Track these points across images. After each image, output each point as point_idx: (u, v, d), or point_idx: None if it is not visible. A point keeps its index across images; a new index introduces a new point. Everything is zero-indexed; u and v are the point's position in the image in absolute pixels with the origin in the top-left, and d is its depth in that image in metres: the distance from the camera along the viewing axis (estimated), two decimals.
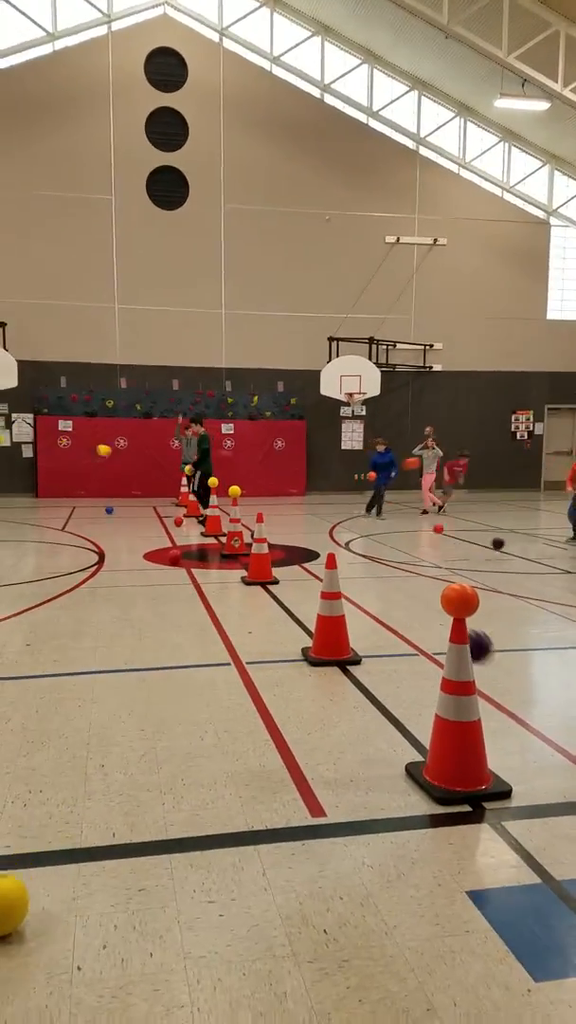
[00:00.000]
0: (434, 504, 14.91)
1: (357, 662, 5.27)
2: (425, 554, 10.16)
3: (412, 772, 3.55)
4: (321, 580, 5.44)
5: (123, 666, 5.19)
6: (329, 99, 18.53)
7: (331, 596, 5.36)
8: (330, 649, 5.31)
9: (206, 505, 12.68)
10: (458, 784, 3.35)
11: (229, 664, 5.25)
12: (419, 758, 3.72)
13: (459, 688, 3.39)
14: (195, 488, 13.69)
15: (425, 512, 14.79)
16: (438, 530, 12.40)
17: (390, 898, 2.64)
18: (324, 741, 3.96)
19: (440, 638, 5.87)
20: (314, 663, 5.25)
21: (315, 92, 18.41)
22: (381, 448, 14.18)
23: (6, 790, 3.39)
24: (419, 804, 3.31)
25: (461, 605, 3.40)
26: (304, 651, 5.46)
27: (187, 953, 2.37)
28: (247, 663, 5.26)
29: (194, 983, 2.24)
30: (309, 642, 5.72)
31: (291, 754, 3.79)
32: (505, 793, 3.35)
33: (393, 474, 14.06)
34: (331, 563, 5.45)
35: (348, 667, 5.19)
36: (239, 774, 3.57)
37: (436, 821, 3.18)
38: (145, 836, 3.04)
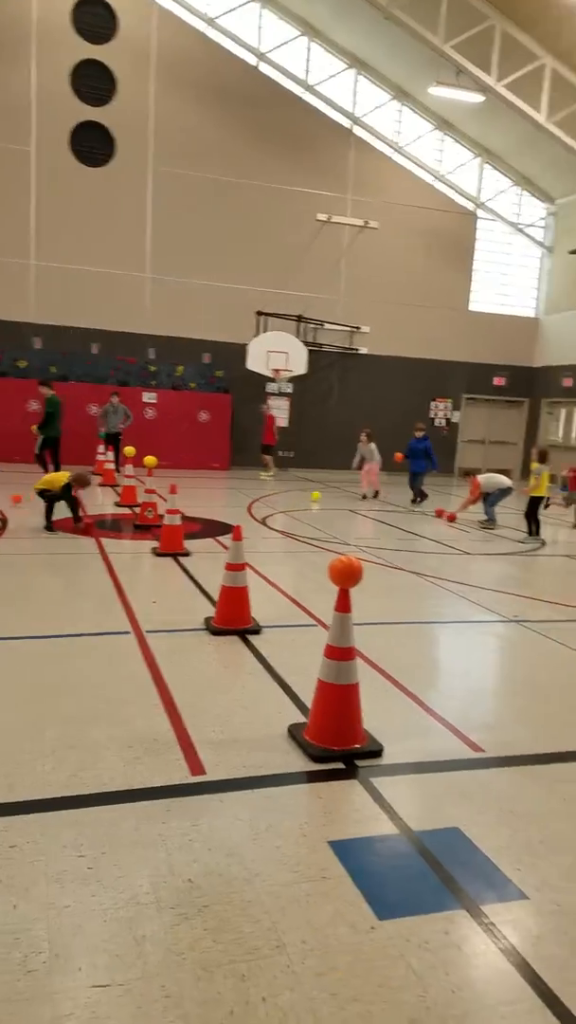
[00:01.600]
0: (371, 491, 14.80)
1: (257, 631, 5.39)
2: (339, 532, 10.37)
3: (293, 733, 3.70)
4: None
5: (21, 633, 5.15)
6: (265, 68, 18.30)
7: (235, 567, 5.45)
8: (231, 619, 5.41)
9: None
10: (334, 743, 3.52)
11: (129, 633, 5.28)
12: (301, 720, 3.87)
13: (341, 654, 3.55)
14: (37, 452, 13.22)
15: (364, 497, 14.64)
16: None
17: (256, 848, 2.78)
18: (214, 705, 4.07)
19: None
20: (215, 632, 5.34)
21: (251, 60, 18.14)
22: (419, 434, 14.08)
23: None
24: (296, 762, 3.45)
25: (346, 576, 3.55)
26: (207, 620, 5.54)
27: (51, 904, 2.44)
28: (147, 632, 5.31)
29: (55, 931, 2.32)
30: (213, 612, 5.80)
31: (180, 718, 3.88)
32: (376, 752, 3.53)
33: (426, 465, 13.93)
34: (237, 535, 5.54)
35: (248, 636, 5.31)
36: (124, 737, 3.63)
37: (310, 777, 3.33)
38: (22, 796, 3.07)
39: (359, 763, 3.45)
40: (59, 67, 16.62)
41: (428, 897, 2.56)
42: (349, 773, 3.38)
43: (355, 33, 17.75)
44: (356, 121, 19.01)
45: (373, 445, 14.51)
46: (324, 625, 5.67)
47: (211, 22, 17.73)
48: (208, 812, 3.02)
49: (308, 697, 4.16)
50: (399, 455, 14.24)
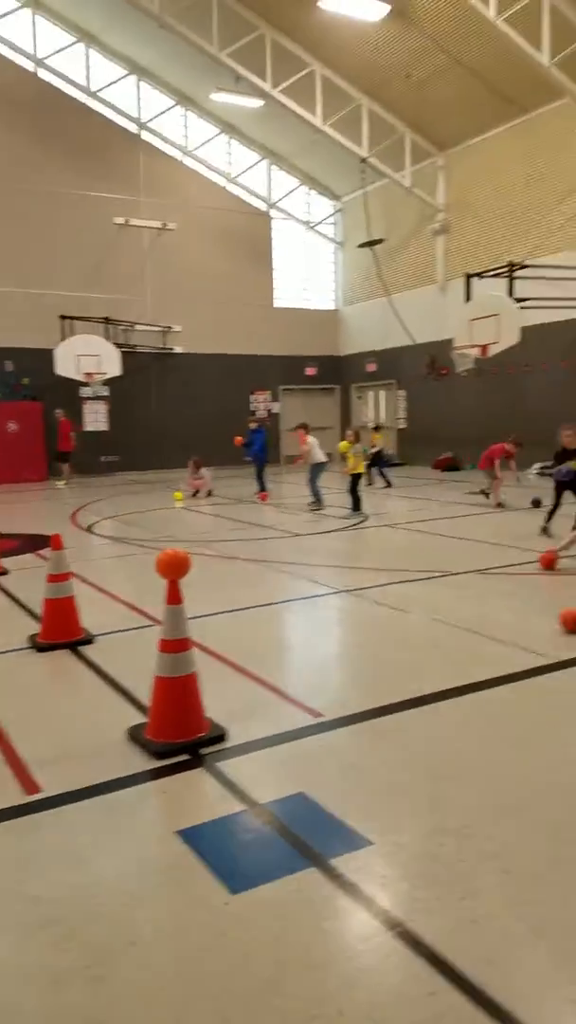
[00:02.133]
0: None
1: (90, 641, 5.21)
2: (171, 530, 10.27)
3: (133, 735, 3.62)
4: None
5: None
6: (44, 75, 17.67)
7: (58, 578, 5.22)
8: (59, 631, 5.18)
9: None
10: (177, 736, 3.48)
11: None
12: (142, 721, 3.80)
13: (175, 646, 3.53)
14: None
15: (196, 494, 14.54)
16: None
17: (103, 853, 2.69)
18: (45, 723, 3.89)
19: None
20: (42, 648, 5.10)
21: (29, 66, 17.45)
22: (254, 425, 13.87)
23: None
24: (138, 762, 3.38)
25: (173, 567, 3.53)
26: (32, 638, 5.27)
27: None
28: None
29: None
30: (39, 629, 5.54)
31: (8, 741, 3.67)
32: (220, 737, 3.54)
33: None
34: (56, 544, 5.31)
35: (79, 648, 5.12)
36: None
37: (154, 775, 3.28)
38: None
39: (203, 751, 3.44)
40: None
41: (279, 863, 2.60)
42: (194, 763, 3.36)
43: (133, 40, 17.64)
44: (143, 126, 18.88)
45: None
46: (160, 624, 5.60)
47: None
48: (47, 827, 2.88)
49: (146, 697, 4.10)
50: (239, 439, 14.30)
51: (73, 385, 17.14)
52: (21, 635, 5.44)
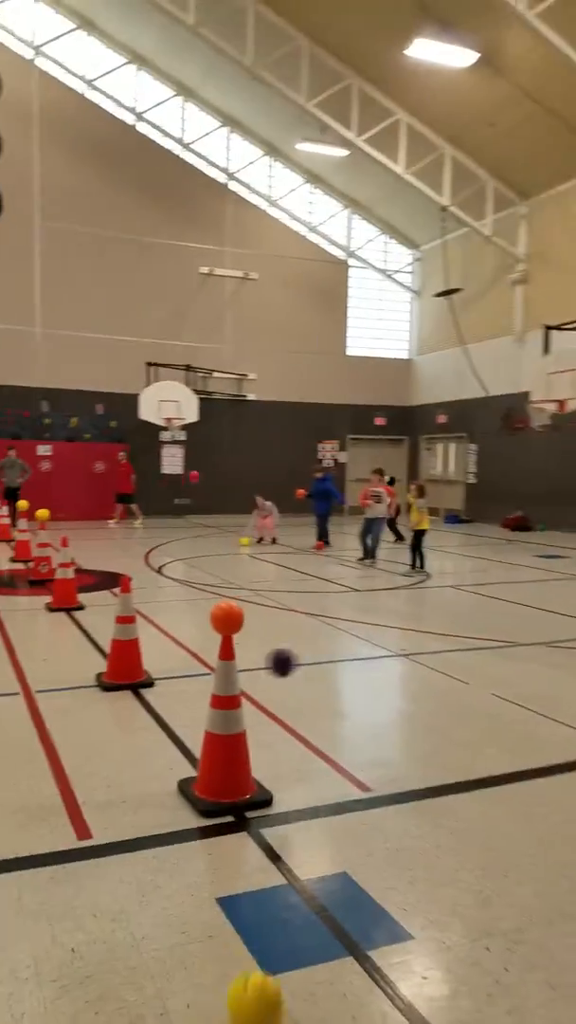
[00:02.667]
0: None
1: (150, 684, 5.33)
2: (235, 577, 10.42)
3: (183, 788, 3.68)
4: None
5: None
6: (143, 127, 18.71)
7: (125, 620, 5.40)
8: (123, 673, 5.34)
9: None
10: (223, 796, 3.52)
11: (17, 693, 5.12)
12: (194, 775, 3.86)
13: (226, 703, 3.58)
14: None
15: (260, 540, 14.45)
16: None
17: (142, 912, 2.74)
18: (102, 765, 3.99)
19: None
20: (107, 688, 5.25)
21: (129, 119, 18.52)
22: (319, 474, 13.84)
23: None
24: (185, 818, 3.44)
25: (226, 622, 3.60)
26: (98, 676, 5.44)
27: None
28: (37, 691, 5.16)
29: None
30: (105, 668, 5.71)
31: (67, 781, 3.79)
32: (266, 801, 3.56)
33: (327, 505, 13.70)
34: (125, 587, 5.49)
35: (140, 690, 5.25)
36: (9, 804, 3.51)
37: (199, 834, 3.32)
38: None
39: (249, 814, 3.47)
40: None
41: (315, 948, 2.58)
42: (238, 826, 3.38)
43: (226, 92, 18.48)
44: (231, 176, 19.67)
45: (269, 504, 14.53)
46: None
47: (90, 84, 18.03)
48: (93, 877, 2.96)
49: (198, 749, 4.16)
50: (301, 492, 14.44)
51: (154, 429, 17.75)
52: (90, 672, 5.62)
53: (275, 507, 14.54)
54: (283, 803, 3.58)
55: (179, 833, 3.32)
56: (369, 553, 11.66)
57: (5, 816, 3.40)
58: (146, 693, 5.20)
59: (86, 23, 17.67)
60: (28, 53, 17.34)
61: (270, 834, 3.31)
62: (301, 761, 4.10)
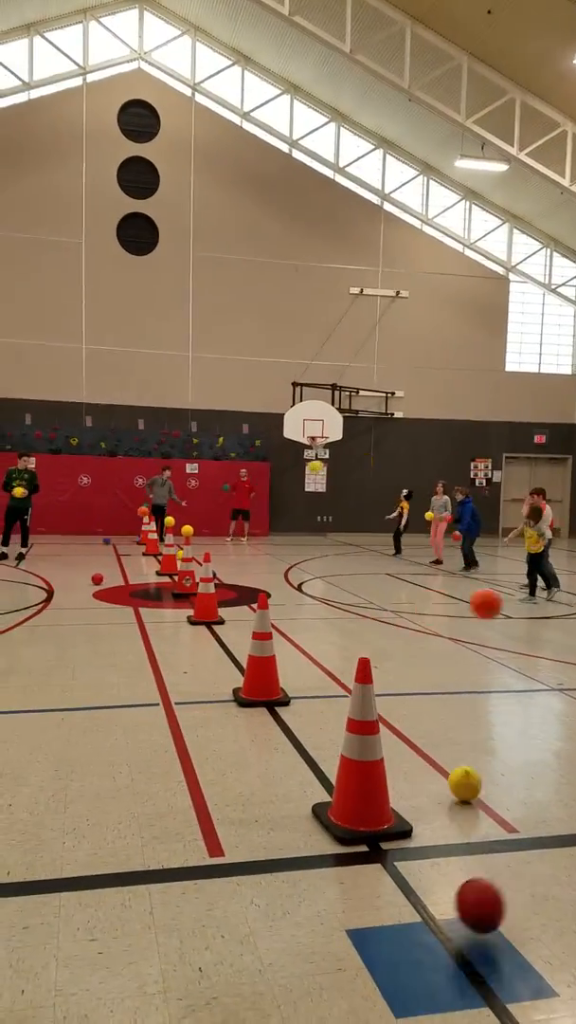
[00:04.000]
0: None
1: (286, 703, 5.31)
2: (375, 597, 10.25)
3: (318, 812, 3.60)
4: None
5: (49, 706, 5.18)
6: (297, 154, 19.19)
7: (261, 636, 5.42)
8: (259, 690, 5.35)
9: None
10: (359, 824, 3.40)
11: (157, 704, 5.26)
12: (328, 799, 3.77)
13: (363, 728, 3.47)
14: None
15: (438, 562, 14.26)
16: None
17: (271, 936, 2.68)
18: (237, 782, 3.99)
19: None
20: (243, 704, 5.28)
21: (284, 147, 19.07)
22: (461, 496, 13.50)
23: None
24: (319, 844, 3.35)
25: (486, 606, 4.07)
26: (235, 692, 5.49)
27: (59, 991, 2.38)
28: (176, 703, 5.28)
29: (60, 1020, 2.26)
30: (242, 682, 5.76)
31: (202, 795, 3.81)
32: (405, 833, 3.40)
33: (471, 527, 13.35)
34: (262, 603, 5.53)
35: (276, 708, 5.23)
36: (145, 815, 3.58)
37: (333, 861, 3.22)
38: (40, 875, 3.04)
39: (385, 845, 3.33)
40: (107, 165, 17.75)
41: (450, 993, 2.42)
42: (374, 856, 3.25)
43: (381, 115, 18.56)
44: (385, 197, 19.69)
45: (447, 498, 14.33)
46: None
47: (246, 116, 18.77)
48: (224, 896, 2.93)
49: (333, 773, 4.06)
50: (430, 514, 14.14)
51: (298, 447, 18.00)
52: (227, 686, 5.69)
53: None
54: (422, 837, 3.41)
55: (312, 859, 3.24)
56: (554, 581, 10.54)
57: (140, 827, 3.46)
58: (282, 711, 5.18)
59: (243, 58, 18.44)
60: (187, 91, 18.33)
61: (406, 868, 3.15)
62: (443, 795, 3.89)
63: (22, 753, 4.30)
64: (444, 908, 2.86)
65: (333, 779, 4.01)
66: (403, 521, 15.34)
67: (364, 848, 3.31)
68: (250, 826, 3.51)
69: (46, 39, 17.42)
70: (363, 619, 8.64)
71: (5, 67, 17.22)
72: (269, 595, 9.95)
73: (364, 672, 3.52)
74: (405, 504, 15.45)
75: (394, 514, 15.51)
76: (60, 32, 17.56)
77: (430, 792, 3.93)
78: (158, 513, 15.52)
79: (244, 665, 6.28)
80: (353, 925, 2.75)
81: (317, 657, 6.71)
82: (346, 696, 5.57)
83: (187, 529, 11.57)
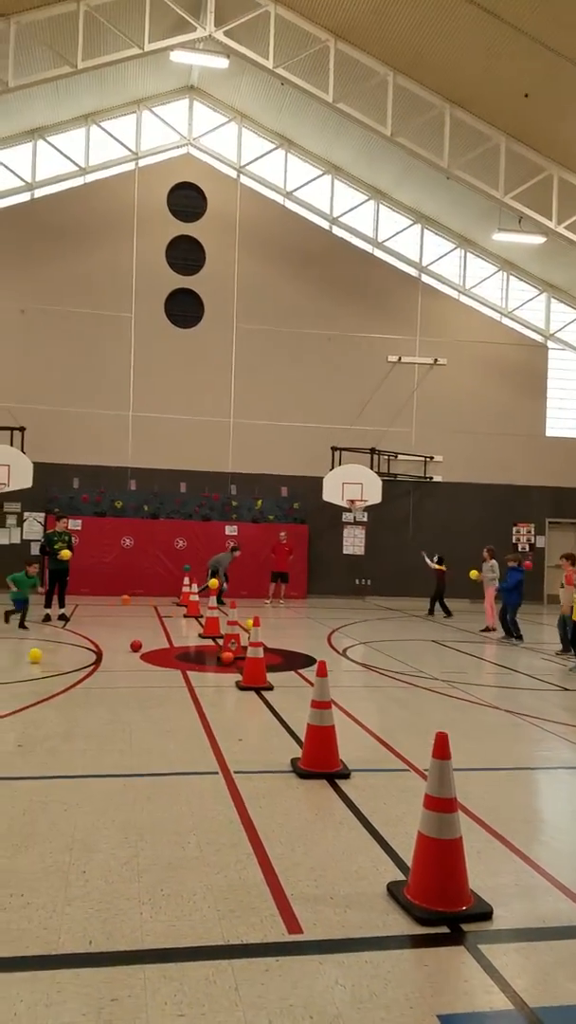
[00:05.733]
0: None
1: (346, 776, 5.25)
2: (423, 664, 10.15)
3: (393, 891, 3.54)
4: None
5: (111, 771, 5.21)
6: (337, 231, 19.93)
7: (321, 705, 5.40)
8: (319, 761, 5.31)
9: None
10: (438, 904, 3.34)
11: (217, 773, 5.26)
12: (401, 877, 3.71)
13: (441, 805, 3.43)
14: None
15: (488, 629, 14.14)
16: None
17: (360, 1019, 2.63)
18: (306, 857, 3.95)
19: (430, 753, 5.86)
20: (302, 775, 5.24)
21: (324, 224, 19.84)
22: (513, 563, 13.31)
23: None
24: (398, 923, 3.30)
25: None
26: (293, 762, 5.46)
27: None
28: (235, 772, 5.27)
29: None
30: (299, 752, 5.73)
31: (272, 869, 3.79)
32: (486, 914, 3.33)
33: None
34: (321, 671, 5.52)
35: (336, 780, 5.19)
36: (219, 887, 3.57)
37: (414, 942, 3.17)
38: (121, 945, 3.04)
39: (467, 927, 3.26)
40: (156, 244, 18.62)
41: None
42: (456, 938, 3.19)
43: (419, 192, 19.26)
44: (423, 270, 20.25)
45: (495, 563, 14.32)
46: (416, 770, 5.50)
47: (288, 195, 19.63)
48: (308, 975, 2.89)
49: (403, 849, 4.02)
50: (475, 572, 14.07)
51: (336, 510, 18.14)
52: (284, 755, 5.67)
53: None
54: (503, 919, 3.34)
55: (392, 939, 3.19)
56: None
57: (215, 900, 3.44)
58: (343, 784, 5.12)
59: (286, 142, 19.41)
60: (233, 173, 19.27)
61: (491, 951, 3.09)
62: (519, 875, 3.81)
63: (91, 818, 4.32)
64: (535, 994, 2.79)
65: (404, 856, 3.97)
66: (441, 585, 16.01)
67: (445, 929, 3.25)
68: (325, 903, 3.47)
69: (102, 128, 18.56)
70: (413, 688, 8.56)
71: (64, 155, 18.33)
72: (314, 661, 9.92)
73: (442, 748, 3.51)
74: (440, 568, 16.10)
75: (428, 561, 16.49)
76: (114, 121, 18.71)
77: (506, 872, 3.85)
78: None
79: (297, 733, 6.27)
80: (444, 1010, 2.70)
81: (371, 727, 6.65)
82: (406, 770, 5.51)
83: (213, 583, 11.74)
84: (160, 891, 3.49)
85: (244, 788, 4.95)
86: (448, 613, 16.13)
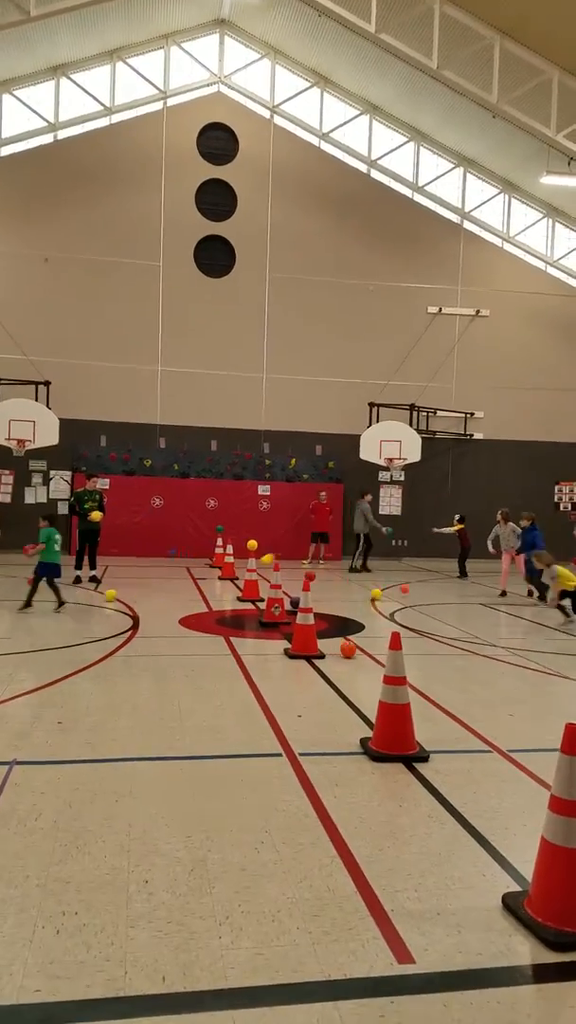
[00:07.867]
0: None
1: (424, 759, 4.72)
2: (478, 630, 9.57)
3: (511, 905, 3.01)
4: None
5: (163, 752, 4.71)
6: (376, 174, 18.85)
7: (395, 681, 4.85)
8: (394, 742, 4.77)
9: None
10: (571, 923, 2.80)
11: (281, 755, 4.74)
12: (515, 885, 3.18)
13: (572, 809, 2.87)
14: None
15: (504, 593, 13.33)
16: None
17: None
18: (399, 860, 3.43)
19: (512, 732, 5.34)
20: (376, 757, 4.71)
21: (362, 167, 18.75)
22: (526, 523, 13.01)
23: (35, 909, 2.91)
24: (524, 948, 2.77)
25: None
26: (363, 742, 4.93)
27: None
28: (300, 754, 4.75)
29: None
30: (365, 728, 5.21)
31: (363, 876, 3.27)
32: None
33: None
34: (395, 643, 4.96)
35: (414, 764, 4.65)
36: (306, 901, 3.05)
37: (550, 973, 2.63)
38: (201, 983, 2.53)
39: None
40: (186, 188, 17.69)
41: None
42: None
43: (462, 133, 18.11)
44: (465, 216, 19.17)
45: (511, 526, 13.66)
46: (499, 751, 4.94)
47: (324, 137, 18.54)
48: (434, 1020, 2.36)
49: (509, 851, 3.49)
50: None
51: (373, 469, 17.43)
52: (350, 734, 5.15)
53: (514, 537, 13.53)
54: None
55: (522, 969, 2.66)
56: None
57: (304, 918, 2.92)
58: (422, 769, 4.58)
59: (321, 79, 18.26)
60: (265, 113, 18.20)
61: None
62: None
63: (146, 811, 3.82)
64: None
65: (510, 859, 3.44)
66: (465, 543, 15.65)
67: None
68: (432, 921, 2.94)
69: (128, 64, 17.54)
70: (473, 656, 7.99)
71: (88, 93, 17.37)
72: (362, 627, 9.37)
73: (572, 741, 2.92)
74: (459, 527, 15.67)
75: (445, 530, 15.93)
76: (141, 58, 17.67)
77: None
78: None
79: (360, 708, 5.75)
80: None
81: (440, 701, 6.09)
82: (488, 751, 4.96)
83: (267, 558, 11.17)
84: (238, 907, 2.98)
85: (313, 773, 4.43)
86: (463, 574, 15.50)
